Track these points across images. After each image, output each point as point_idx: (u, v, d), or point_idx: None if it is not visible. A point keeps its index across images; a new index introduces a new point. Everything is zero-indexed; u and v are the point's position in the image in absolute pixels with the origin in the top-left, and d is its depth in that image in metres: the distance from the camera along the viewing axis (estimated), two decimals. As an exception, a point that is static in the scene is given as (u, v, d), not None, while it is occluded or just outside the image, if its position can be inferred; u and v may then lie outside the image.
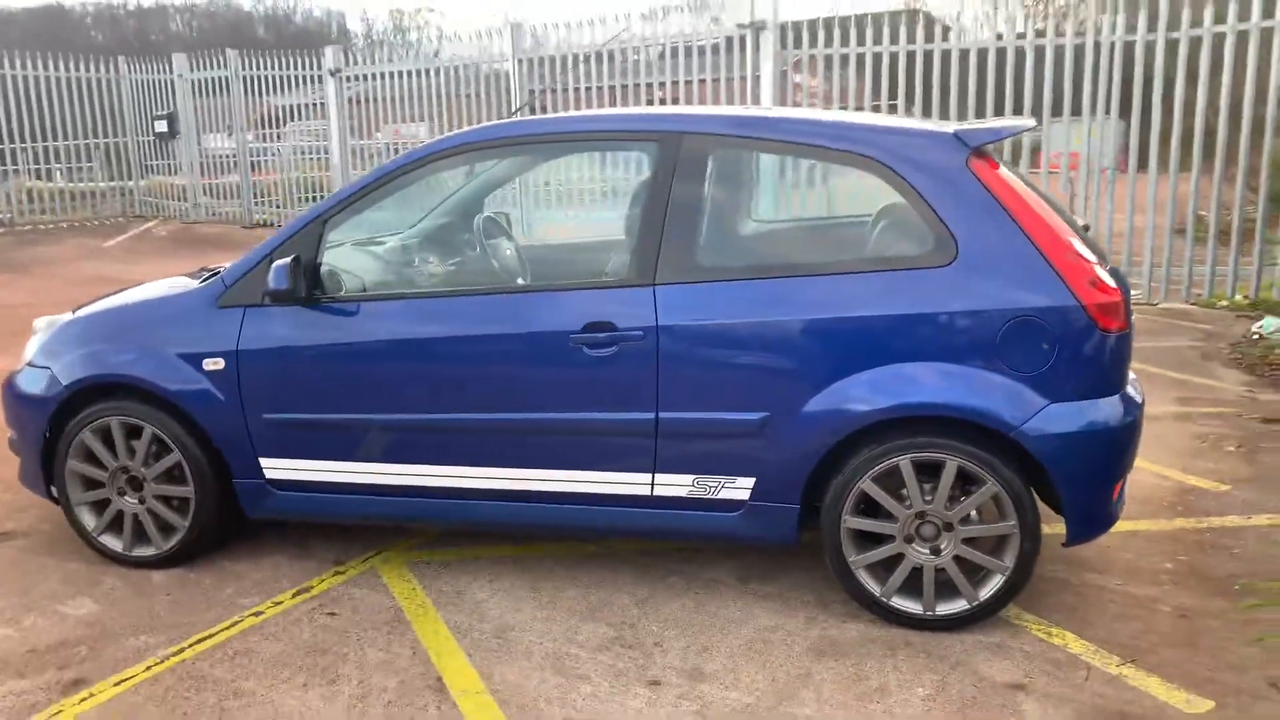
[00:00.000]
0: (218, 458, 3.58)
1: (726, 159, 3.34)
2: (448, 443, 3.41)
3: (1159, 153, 8.51)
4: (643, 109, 3.98)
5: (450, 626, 3.25)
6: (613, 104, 11.29)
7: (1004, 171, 3.17)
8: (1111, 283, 3.02)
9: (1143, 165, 8.61)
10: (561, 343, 3.21)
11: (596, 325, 3.18)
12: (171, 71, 15.54)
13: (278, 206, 15.37)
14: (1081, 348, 2.96)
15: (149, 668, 3.03)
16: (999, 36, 8.98)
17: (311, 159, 15.52)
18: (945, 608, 3.12)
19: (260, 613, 3.36)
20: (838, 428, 3.06)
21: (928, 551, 3.10)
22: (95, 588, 3.57)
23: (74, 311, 3.94)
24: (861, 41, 9.40)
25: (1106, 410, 3.02)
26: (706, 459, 3.21)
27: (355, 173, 14.14)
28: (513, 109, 10.19)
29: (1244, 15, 7.89)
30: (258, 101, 15.45)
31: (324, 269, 3.43)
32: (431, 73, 12.81)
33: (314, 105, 14.76)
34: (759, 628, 3.21)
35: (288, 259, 3.31)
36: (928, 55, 9.15)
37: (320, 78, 14.24)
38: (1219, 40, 8.02)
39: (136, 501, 3.67)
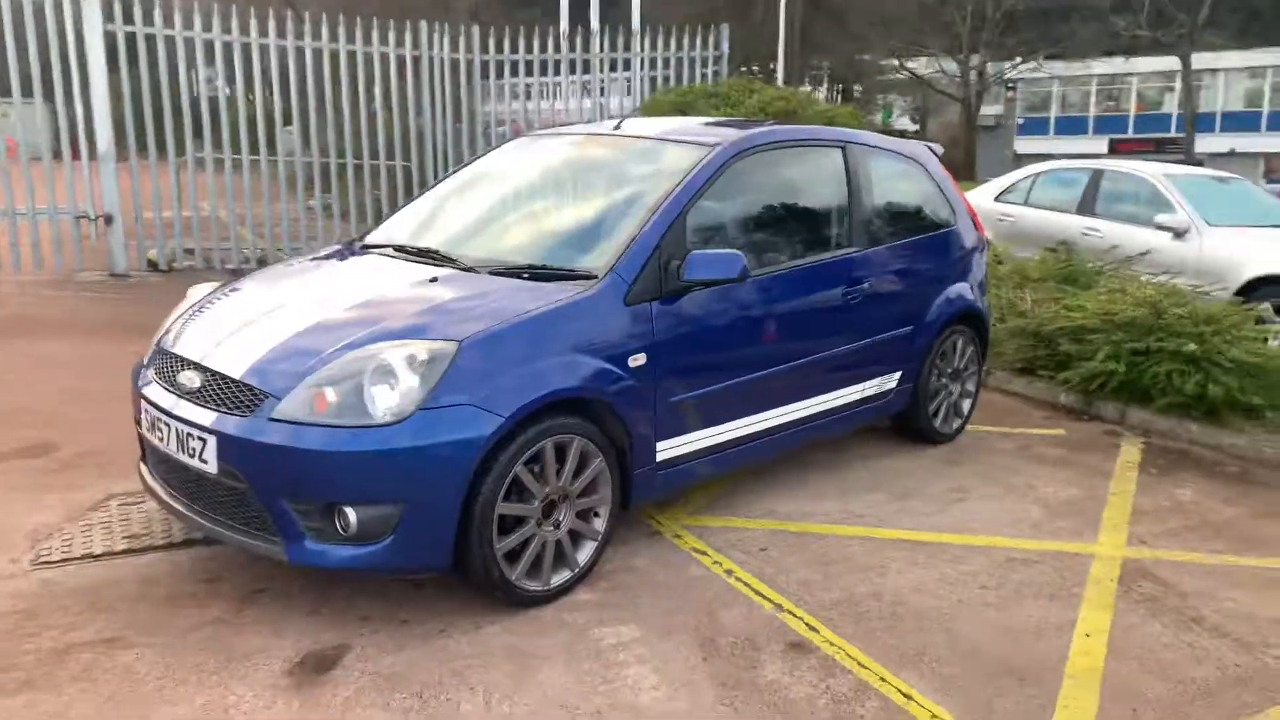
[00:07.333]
0: (621, 456, 3.62)
1: (871, 161, 4.84)
2: (782, 387, 4.24)
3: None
4: (830, 128, 5.05)
5: (832, 520, 4.23)
6: None
7: None
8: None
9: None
10: (839, 297, 4.43)
11: (855, 280, 4.49)
12: None
13: None
14: (980, 264, 5.51)
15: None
16: None
17: None
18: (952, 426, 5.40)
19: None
20: (943, 326, 5.04)
21: (957, 391, 5.33)
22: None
23: (441, 336, 3.20)
24: None
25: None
26: (884, 364, 4.82)
27: None
28: None
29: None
30: None
31: None
32: None
33: None
34: (925, 468, 4.96)
35: (731, 250, 3.71)
36: None
37: None
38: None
39: (553, 527, 3.42)
